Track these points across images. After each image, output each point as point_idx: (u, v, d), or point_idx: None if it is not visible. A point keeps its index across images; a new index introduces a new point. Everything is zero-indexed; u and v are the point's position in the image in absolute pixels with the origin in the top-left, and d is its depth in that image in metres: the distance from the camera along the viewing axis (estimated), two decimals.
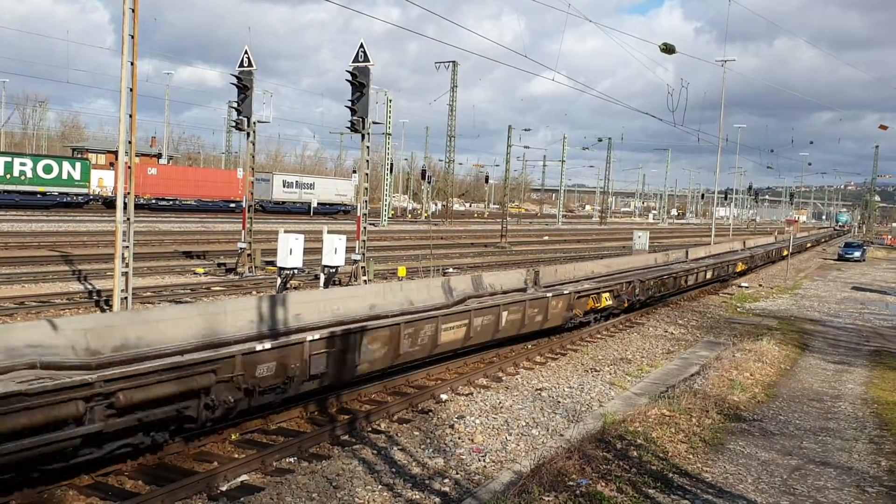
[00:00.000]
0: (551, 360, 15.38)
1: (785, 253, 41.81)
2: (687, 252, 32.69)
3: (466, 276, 16.08)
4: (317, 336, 9.90)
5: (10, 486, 7.09)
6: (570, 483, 7.35)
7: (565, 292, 16.77)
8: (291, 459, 8.89)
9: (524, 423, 10.82)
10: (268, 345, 9.17)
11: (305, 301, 11.43)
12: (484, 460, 9.24)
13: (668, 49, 20.82)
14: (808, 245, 70.54)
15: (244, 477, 8.24)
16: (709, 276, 29.35)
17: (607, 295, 18.77)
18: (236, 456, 8.85)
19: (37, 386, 6.71)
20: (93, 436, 7.11)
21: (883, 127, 43.04)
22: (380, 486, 8.18)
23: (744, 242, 47.08)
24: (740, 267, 34.97)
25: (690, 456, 8.96)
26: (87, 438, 7.09)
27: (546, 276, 18.54)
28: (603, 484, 7.49)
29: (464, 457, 9.31)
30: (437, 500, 7.90)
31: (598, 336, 18.33)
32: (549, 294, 16.18)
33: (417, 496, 7.98)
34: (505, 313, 14.31)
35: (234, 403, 8.58)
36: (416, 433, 10.15)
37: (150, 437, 7.80)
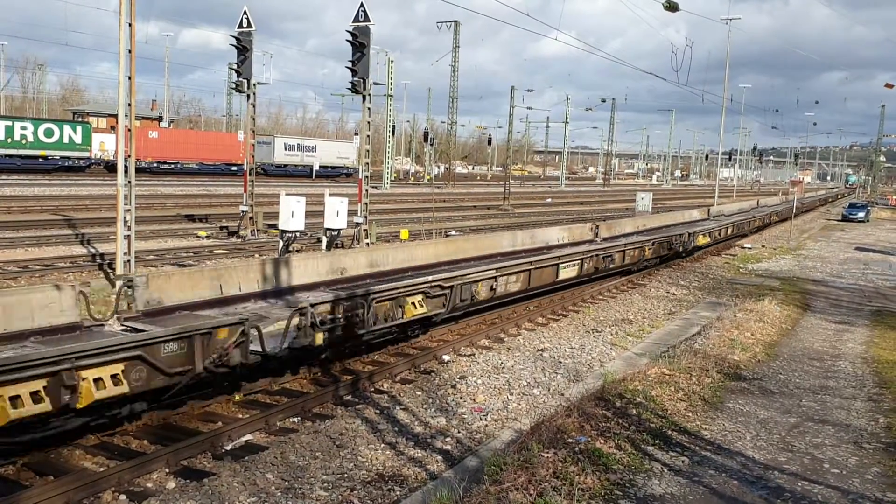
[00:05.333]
0: (553, 321, 15.45)
1: (795, 211, 42.82)
2: (709, 210, 36.14)
3: (541, 230, 21.13)
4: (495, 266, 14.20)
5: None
6: (569, 440, 7.43)
7: (643, 240, 21.84)
8: (295, 419, 8.99)
9: (525, 383, 10.91)
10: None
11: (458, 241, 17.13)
12: (485, 419, 9.33)
13: (671, 6, 20.45)
14: (817, 204, 70.82)
15: (248, 436, 8.35)
16: (730, 232, 32.99)
17: (666, 245, 23.23)
18: (240, 416, 8.94)
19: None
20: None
21: (889, 86, 42.55)
22: (383, 445, 8.28)
23: (758, 201, 51.44)
24: (765, 221, 40.48)
25: (690, 414, 9.04)
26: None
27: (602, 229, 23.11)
28: (602, 441, 7.57)
29: (465, 416, 9.41)
30: (440, 458, 8.00)
31: (600, 297, 18.39)
32: (642, 238, 22.10)
33: (420, 454, 8.08)
34: (617, 255, 19.17)
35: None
36: (419, 393, 10.25)
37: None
